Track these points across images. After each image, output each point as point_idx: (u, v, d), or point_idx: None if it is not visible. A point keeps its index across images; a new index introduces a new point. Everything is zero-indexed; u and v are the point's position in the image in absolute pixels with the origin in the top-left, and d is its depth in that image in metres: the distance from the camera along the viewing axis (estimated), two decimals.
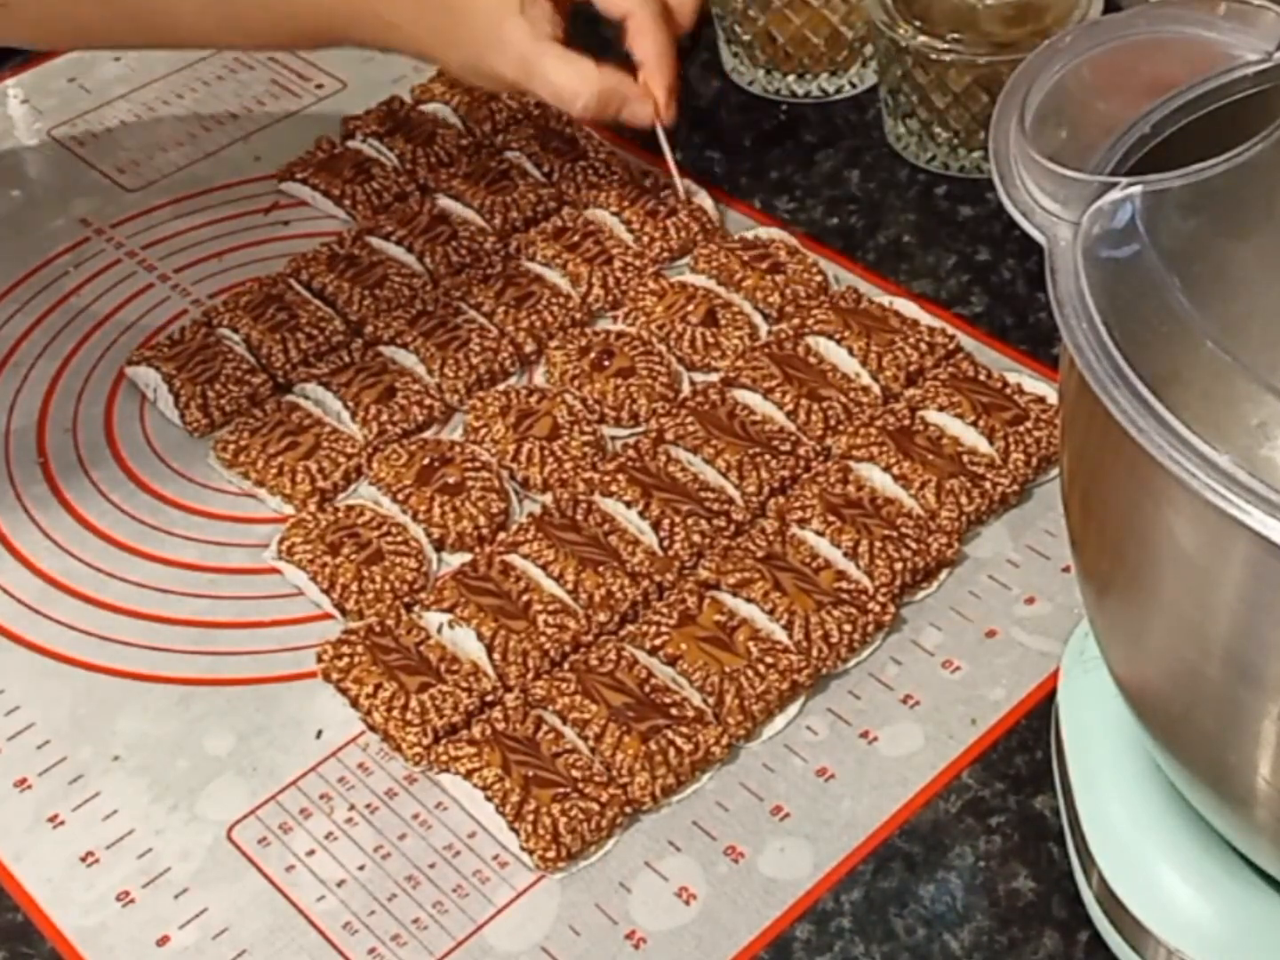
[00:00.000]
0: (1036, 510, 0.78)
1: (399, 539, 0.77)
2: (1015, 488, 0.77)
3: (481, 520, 0.78)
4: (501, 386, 0.84)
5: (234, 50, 1.05)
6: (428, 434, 0.83)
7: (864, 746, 0.70)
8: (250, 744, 0.71)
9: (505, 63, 0.84)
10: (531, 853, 0.66)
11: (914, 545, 0.74)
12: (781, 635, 0.71)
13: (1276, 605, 0.46)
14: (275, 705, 0.73)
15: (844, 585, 0.73)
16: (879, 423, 0.79)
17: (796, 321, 0.85)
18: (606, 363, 0.83)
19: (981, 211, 0.94)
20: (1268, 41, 0.55)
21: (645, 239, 0.90)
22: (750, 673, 0.70)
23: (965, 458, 0.77)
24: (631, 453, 0.79)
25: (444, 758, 0.68)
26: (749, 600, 0.72)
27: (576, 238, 0.90)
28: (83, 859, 0.68)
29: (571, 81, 0.84)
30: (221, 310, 0.88)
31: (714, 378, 0.83)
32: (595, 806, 0.66)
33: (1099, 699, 0.63)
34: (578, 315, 0.87)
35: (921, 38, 0.92)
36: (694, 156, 0.98)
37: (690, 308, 0.86)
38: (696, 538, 0.75)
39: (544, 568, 0.75)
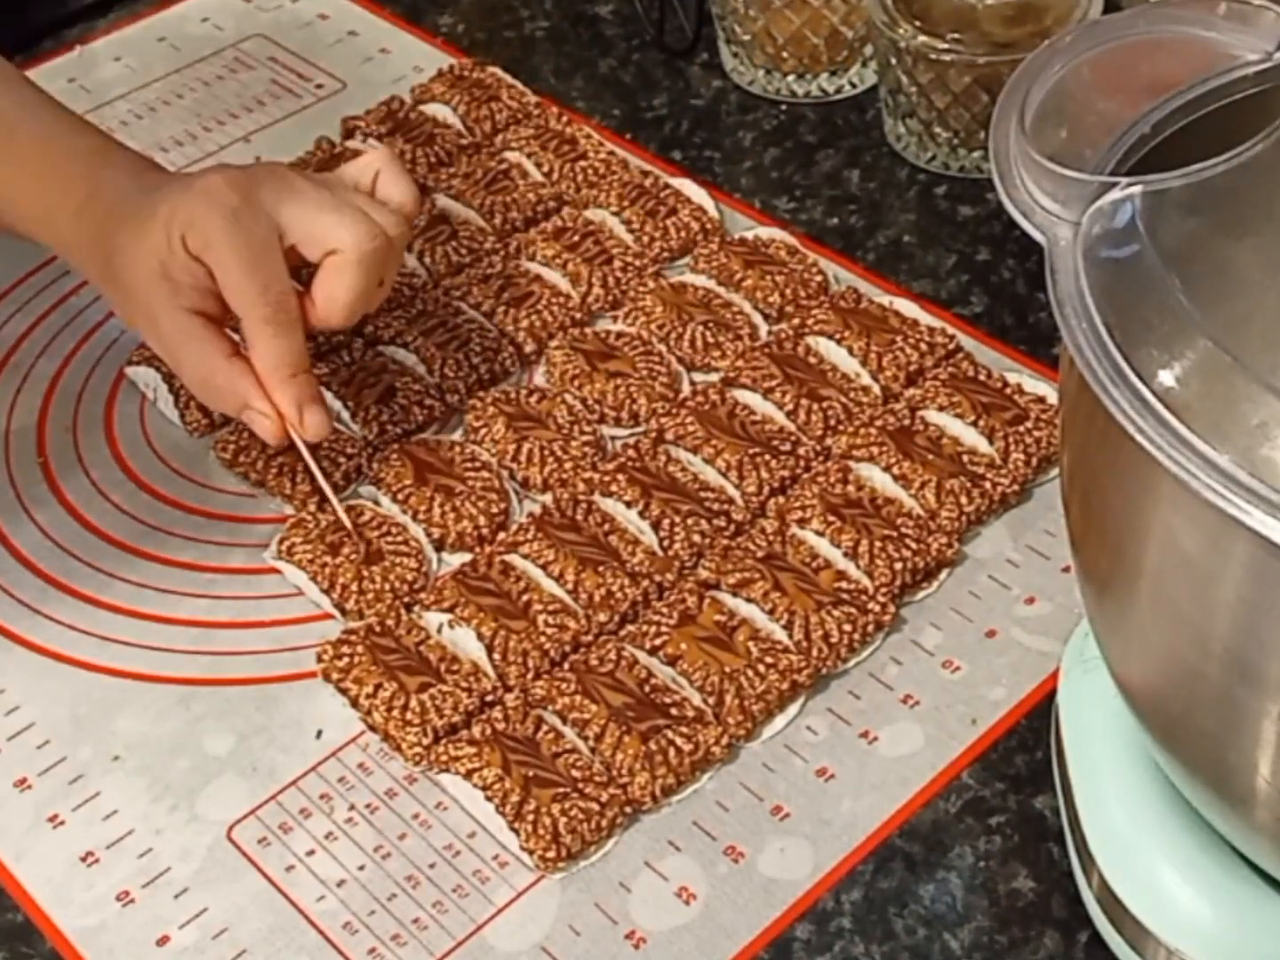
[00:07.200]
0: (1036, 510, 0.78)
1: (399, 539, 0.76)
2: (1015, 488, 0.77)
3: (481, 520, 0.78)
4: (502, 386, 0.84)
5: None
6: (428, 434, 0.83)
7: (864, 746, 0.70)
8: (250, 744, 0.71)
9: (149, 331, 0.74)
10: (531, 853, 0.66)
11: (914, 545, 0.74)
12: (781, 635, 0.71)
13: (1276, 605, 0.46)
14: (275, 705, 0.73)
15: (844, 585, 0.73)
16: (879, 423, 0.79)
17: (796, 321, 0.85)
18: (606, 363, 0.84)
19: (981, 211, 0.94)
20: (1268, 41, 0.55)
21: (645, 239, 0.90)
22: (750, 673, 0.70)
23: (965, 458, 0.77)
24: (631, 453, 0.79)
25: (444, 758, 0.68)
26: (749, 600, 0.72)
27: (576, 238, 0.90)
28: (83, 859, 0.68)
29: (195, 371, 0.74)
30: None
31: (714, 378, 0.83)
32: (595, 806, 0.66)
33: (1099, 699, 0.63)
34: (578, 315, 0.87)
35: (921, 38, 0.92)
36: (694, 156, 0.98)
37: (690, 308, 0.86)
38: (696, 538, 0.75)
39: (544, 568, 0.75)
